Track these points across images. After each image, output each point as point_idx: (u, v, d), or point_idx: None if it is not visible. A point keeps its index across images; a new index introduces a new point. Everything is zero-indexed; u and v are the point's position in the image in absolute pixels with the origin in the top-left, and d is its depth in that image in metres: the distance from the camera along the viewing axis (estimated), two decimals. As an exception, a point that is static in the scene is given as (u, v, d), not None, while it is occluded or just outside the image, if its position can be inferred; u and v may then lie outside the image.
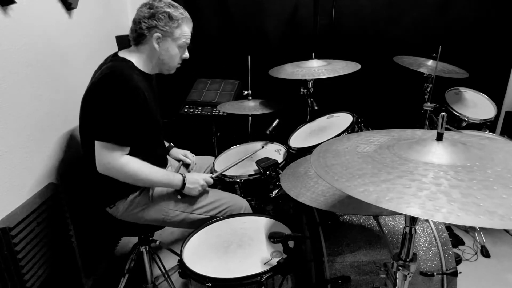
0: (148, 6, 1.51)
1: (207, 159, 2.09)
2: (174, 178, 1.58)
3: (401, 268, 0.97)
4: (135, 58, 1.56)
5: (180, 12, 1.55)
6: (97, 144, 1.44)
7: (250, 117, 2.41)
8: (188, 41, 1.62)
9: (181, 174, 1.60)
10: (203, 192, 1.67)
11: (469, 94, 2.48)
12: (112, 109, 1.41)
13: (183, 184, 1.59)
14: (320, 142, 1.18)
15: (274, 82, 2.21)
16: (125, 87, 1.43)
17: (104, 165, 1.45)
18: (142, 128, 1.51)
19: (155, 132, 1.65)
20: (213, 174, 1.75)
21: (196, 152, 2.10)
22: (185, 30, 1.57)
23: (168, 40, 1.55)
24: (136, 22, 1.52)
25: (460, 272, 1.30)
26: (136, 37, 1.55)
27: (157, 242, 1.94)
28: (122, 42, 2.26)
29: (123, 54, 1.58)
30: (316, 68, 2.06)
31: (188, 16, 1.60)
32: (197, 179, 1.62)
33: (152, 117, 1.58)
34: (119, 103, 1.41)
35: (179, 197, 1.63)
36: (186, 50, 1.64)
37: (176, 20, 1.52)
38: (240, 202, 1.69)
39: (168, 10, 1.51)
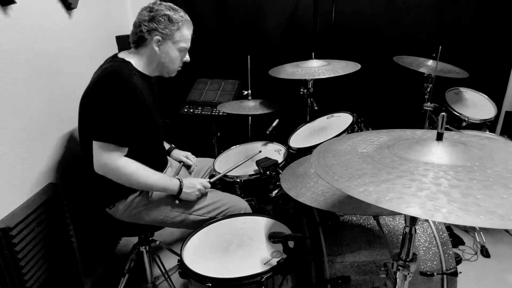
0: (149, 9, 1.52)
1: (208, 161, 2.09)
2: (171, 183, 1.57)
3: (401, 268, 0.97)
4: (135, 59, 1.56)
5: (180, 15, 1.55)
6: (95, 144, 1.44)
7: (250, 117, 2.41)
8: (189, 44, 1.61)
9: (178, 179, 1.59)
10: (201, 196, 1.65)
11: (469, 94, 2.48)
12: (111, 109, 1.41)
13: (180, 189, 1.57)
14: (320, 142, 1.18)
15: (274, 82, 2.21)
16: (123, 87, 1.43)
17: (101, 165, 1.45)
18: (141, 129, 1.51)
19: (154, 132, 1.65)
20: (210, 179, 1.73)
21: (196, 153, 2.09)
22: (185, 33, 1.57)
23: (168, 43, 1.55)
24: (137, 25, 1.53)
25: (460, 272, 1.30)
26: (136, 40, 1.55)
27: (157, 242, 1.94)
28: (122, 42, 2.27)
29: (122, 55, 1.58)
30: (316, 68, 2.06)
31: (189, 19, 1.60)
32: (194, 183, 1.61)
33: (151, 118, 1.58)
34: (118, 103, 1.41)
35: (176, 202, 1.61)
36: (187, 53, 1.64)
37: (176, 22, 1.53)
38: (240, 204, 1.69)
39: (168, 12, 1.51)
